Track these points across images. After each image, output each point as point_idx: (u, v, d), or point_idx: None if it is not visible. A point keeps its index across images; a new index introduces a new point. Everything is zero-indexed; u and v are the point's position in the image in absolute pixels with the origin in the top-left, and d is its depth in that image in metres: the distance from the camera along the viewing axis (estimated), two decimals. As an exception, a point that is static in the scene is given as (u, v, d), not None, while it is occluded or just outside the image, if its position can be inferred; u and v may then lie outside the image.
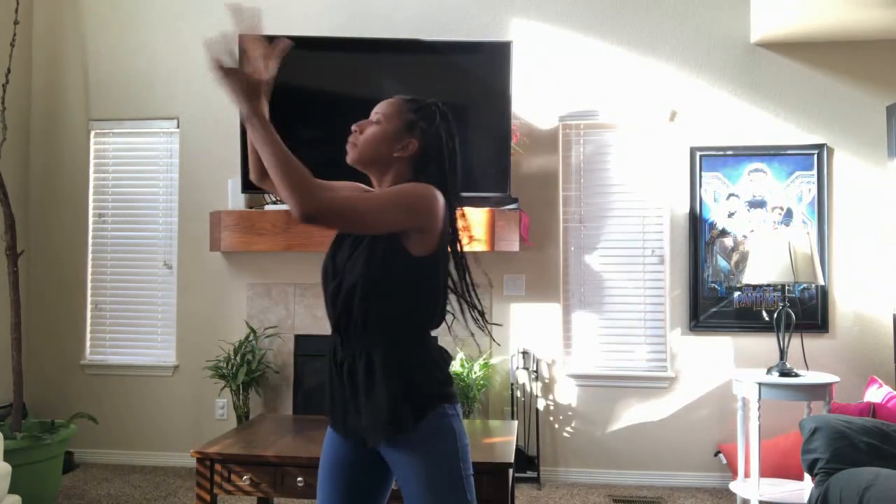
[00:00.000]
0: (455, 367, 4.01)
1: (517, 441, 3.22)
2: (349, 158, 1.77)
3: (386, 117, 1.76)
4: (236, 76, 1.64)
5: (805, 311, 4.10)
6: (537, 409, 4.28)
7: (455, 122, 1.85)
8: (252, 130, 1.61)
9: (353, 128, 1.79)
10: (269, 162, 1.57)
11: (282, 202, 4.32)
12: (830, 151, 4.19)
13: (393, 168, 1.76)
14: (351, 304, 1.68)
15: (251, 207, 4.34)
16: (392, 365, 1.66)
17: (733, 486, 3.78)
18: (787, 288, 3.78)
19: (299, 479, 2.54)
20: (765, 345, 4.09)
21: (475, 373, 4.03)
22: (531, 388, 4.28)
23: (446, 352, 1.79)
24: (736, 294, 4.20)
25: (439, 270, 1.73)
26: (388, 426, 1.64)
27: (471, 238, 1.83)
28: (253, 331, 4.34)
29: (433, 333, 1.75)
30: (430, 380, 1.69)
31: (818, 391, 3.55)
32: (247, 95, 1.65)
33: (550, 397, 4.30)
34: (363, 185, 1.89)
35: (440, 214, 1.67)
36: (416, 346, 1.71)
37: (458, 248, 1.79)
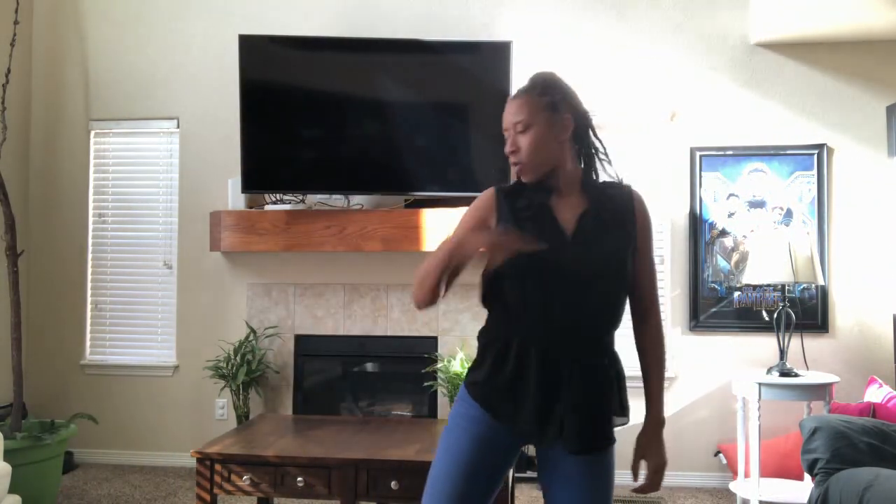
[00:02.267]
0: (455, 367, 4.01)
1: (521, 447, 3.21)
2: (523, 174, 1.70)
3: (526, 116, 1.68)
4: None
5: (805, 311, 4.10)
6: (537, 409, 4.28)
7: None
8: (437, 268, 1.65)
9: (509, 150, 1.70)
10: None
11: (282, 202, 4.32)
12: (830, 151, 4.19)
13: (565, 156, 1.71)
14: (600, 317, 1.71)
15: (251, 207, 4.34)
16: (619, 371, 1.77)
17: (733, 486, 3.78)
18: (787, 288, 3.78)
19: (299, 479, 2.54)
20: (765, 345, 4.08)
21: (475, 373, 4.03)
22: (531, 388, 4.27)
23: None
24: (736, 294, 4.20)
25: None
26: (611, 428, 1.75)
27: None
28: (253, 331, 4.33)
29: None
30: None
31: (818, 391, 3.55)
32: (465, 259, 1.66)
33: (550, 397, 4.29)
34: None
35: None
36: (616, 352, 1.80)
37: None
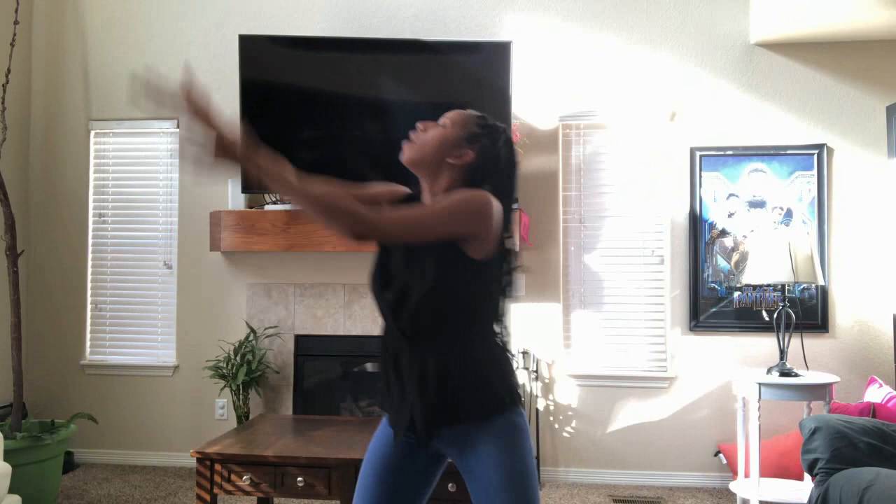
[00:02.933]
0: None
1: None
2: (404, 157, 1.78)
3: (452, 123, 1.79)
4: (251, 154, 1.61)
5: (805, 311, 4.10)
6: (537, 409, 4.28)
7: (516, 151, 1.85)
8: (271, 185, 1.62)
9: (419, 125, 1.80)
10: (306, 208, 1.58)
11: (282, 202, 4.32)
12: (830, 151, 4.19)
13: (445, 174, 1.77)
14: (418, 311, 1.69)
15: (251, 207, 4.34)
16: (461, 366, 1.70)
17: (733, 486, 3.78)
18: (787, 288, 3.78)
19: (299, 479, 2.54)
20: (765, 345, 4.09)
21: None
22: (531, 388, 4.28)
23: (509, 353, 1.83)
24: (736, 294, 4.20)
25: (498, 273, 1.78)
26: (472, 413, 1.70)
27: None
28: (253, 331, 4.34)
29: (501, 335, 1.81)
30: (496, 380, 1.74)
31: (818, 391, 3.55)
32: (235, 158, 1.60)
33: (550, 397, 4.30)
34: (397, 186, 1.90)
35: (497, 219, 1.70)
36: (480, 347, 1.75)
37: (510, 256, 1.82)
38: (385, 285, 1.76)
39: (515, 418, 1.72)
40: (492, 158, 1.78)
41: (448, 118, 1.80)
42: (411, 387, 1.71)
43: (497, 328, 1.79)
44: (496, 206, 1.69)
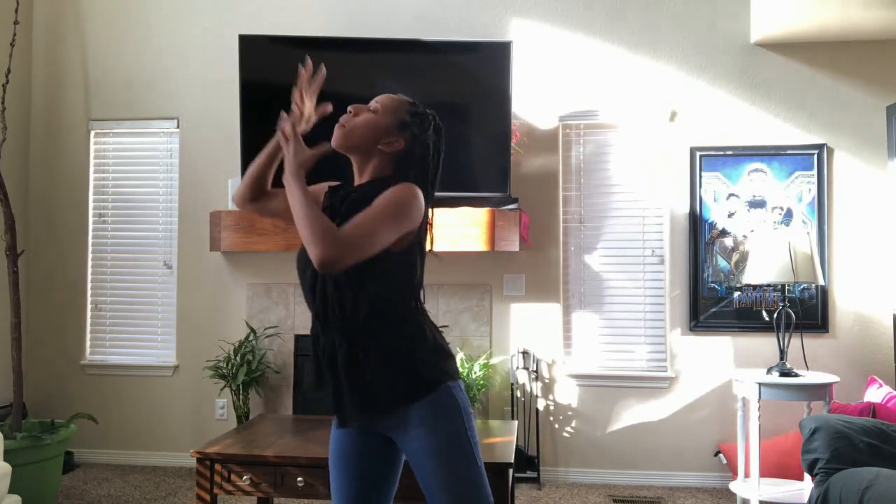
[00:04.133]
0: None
1: (517, 441, 3.22)
2: (334, 140, 1.80)
3: (383, 109, 1.81)
4: (299, 141, 1.72)
5: (805, 311, 4.10)
6: (537, 409, 4.28)
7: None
8: (290, 188, 1.67)
9: (350, 108, 1.82)
10: (300, 216, 1.62)
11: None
12: (830, 151, 4.19)
13: (374, 159, 1.81)
14: (334, 293, 1.71)
15: (251, 207, 4.34)
16: (384, 346, 1.71)
17: (733, 486, 3.78)
18: (787, 288, 3.78)
19: (299, 479, 2.54)
20: (765, 345, 4.09)
21: (475, 373, 4.04)
22: (531, 388, 4.28)
23: (436, 328, 1.83)
24: (736, 294, 4.20)
25: (416, 256, 1.78)
26: (392, 399, 1.70)
27: (432, 240, 1.86)
28: (253, 331, 4.34)
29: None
30: (419, 360, 1.73)
31: (818, 391, 3.55)
32: (300, 157, 1.70)
33: (550, 397, 4.30)
34: (324, 185, 1.92)
35: (421, 213, 1.73)
36: (403, 326, 1.75)
37: (423, 248, 1.83)
38: (307, 264, 1.76)
39: (442, 398, 1.71)
40: (421, 148, 1.81)
41: (379, 103, 1.81)
42: (341, 375, 1.73)
43: (417, 306, 1.79)
44: (421, 201, 1.72)
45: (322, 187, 1.92)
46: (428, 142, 1.82)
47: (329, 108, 1.78)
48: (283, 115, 1.77)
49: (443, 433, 1.69)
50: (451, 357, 1.80)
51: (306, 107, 1.80)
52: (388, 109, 1.80)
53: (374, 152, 1.80)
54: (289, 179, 1.67)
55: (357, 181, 1.85)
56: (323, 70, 1.82)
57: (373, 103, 1.82)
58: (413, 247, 1.75)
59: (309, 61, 1.82)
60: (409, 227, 1.69)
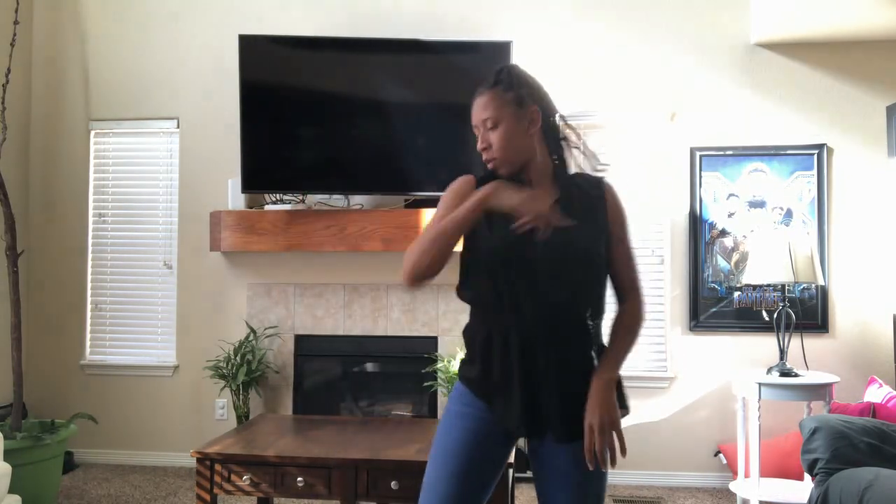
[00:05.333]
0: (455, 367, 4.01)
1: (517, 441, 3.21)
2: (499, 168, 1.72)
3: (493, 110, 1.70)
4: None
5: (805, 311, 4.10)
6: (537, 409, 4.28)
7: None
8: (457, 224, 1.64)
9: (481, 147, 1.72)
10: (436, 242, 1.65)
11: (282, 202, 4.32)
12: (830, 151, 4.19)
13: (537, 150, 1.73)
14: (571, 301, 1.70)
15: (251, 207, 4.34)
16: (597, 352, 1.74)
17: (733, 486, 3.78)
18: (787, 288, 3.78)
19: (299, 479, 2.54)
20: (765, 345, 4.08)
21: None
22: (531, 388, 4.27)
23: None
24: (736, 294, 4.20)
25: None
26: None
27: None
28: (253, 331, 4.33)
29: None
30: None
31: (818, 391, 3.55)
32: (496, 202, 1.64)
33: (550, 397, 4.29)
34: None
35: None
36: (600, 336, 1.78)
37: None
38: (535, 260, 1.65)
39: None
40: (539, 93, 1.74)
41: (488, 117, 1.70)
42: (549, 380, 1.67)
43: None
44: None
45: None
46: (532, 83, 1.74)
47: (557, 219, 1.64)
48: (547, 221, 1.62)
49: (599, 477, 1.71)
50: None
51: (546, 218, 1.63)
52: (495, 108, 1.69)
53: (527, 143, 1.70)
54: (470, 214, 1.67)
55: (533, 180, 1.73)
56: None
57: (483, 123, 1.71)
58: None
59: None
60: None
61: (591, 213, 1.74)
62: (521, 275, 1.66)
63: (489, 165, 1.73)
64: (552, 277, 1.66)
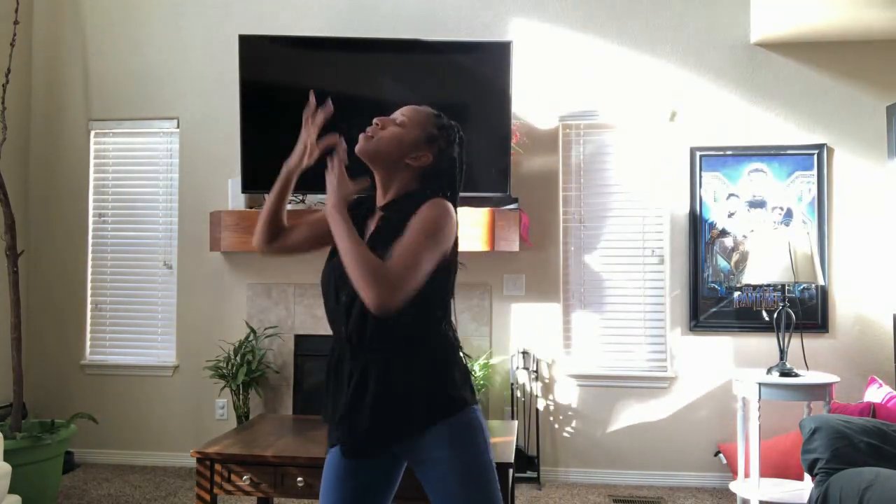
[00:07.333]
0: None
1: (517, 441, 3.22)
2: (359, 148, 1.75)
3: (411, 122, 1.76)
4: (343, 173, 1.70)
5: (805, 311, 4.10)
6: (537, 409, 4.28)
7: (459, 120, 1.86)
8: (334, 222, 1.65)
9: (376, 121, 1.77)
10: (348, 254, 1.60)
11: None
12: (830, 151, 4.19)
13: (400, 174, 1.76)
14: (372, 317, 1.63)
15: (251, 207, 4.34)
16: (421, 367, 1.68)
17: (733, 486, 3.78)
18: (787, 288, 3.78)
19: (299, 479, 2.54)
20: (765, 345, 4.09)
21: (475, 373, 4.03)
22: (531, 388, 4.28)
23: (460, 349, 1.80)
24: (736, 294, 4.20)
25: (450, 277, 1.75)
26: (426, 419, 1.66)
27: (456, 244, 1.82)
28: (253, 331, 4.34)
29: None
30: (451, 380, 1.71)
31: (818, 391, 3.55)
32: (343, 191, 1.69)
33: (550, 397, 4.30)
34: (316, 213, 1.93)
35: (455, 231, 1.71)
36: (434, 348, 1.72)
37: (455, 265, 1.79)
38: (339, 289, 1.72)
39: (468, 418, 1.70)
40: (448, 162, 1.78)
41: (406, 117, 1.76)
42: (354, 398, 1.67)
43: (450, 325, 1.77)
44: (454, 217, 1.69)
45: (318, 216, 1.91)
46: (454, 155, 1.79)
47: (334, 139, 1.75)
48: (312, 144, 1.80)
49: (467, 455, 1.67)
50: (472, 384, 1.78)
51: (309, 139, 1.79)
52: (415, 123, 1.76)
53: (401, 166, 1.75)
54: (333, 213, 1.65)
55: (381, 196, 1.79)
56: (329, 105, 1.79)
57: (399, 116, 1.78)
58: (449, 265, 1.71)
59: (312, 96, 1.81)
60: (446, 247, 1.66)
61: (399, 230, 1.67)
62: (336, 296, 1.79)
63: (360, 137, 1.76)
64: (351, 297, 1.71)
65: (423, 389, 1.68)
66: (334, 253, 1.80)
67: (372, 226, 1.77)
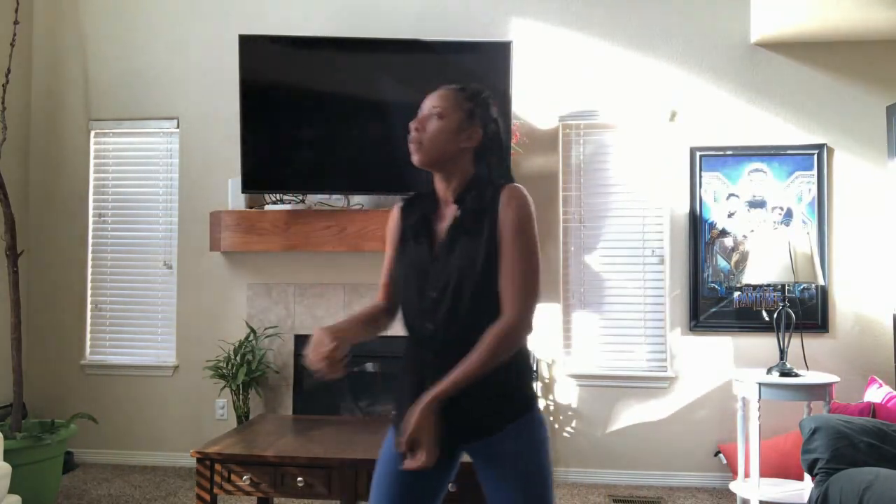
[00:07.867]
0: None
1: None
2: (417, 160, 1.73)
3: (449, 108, 1.73)
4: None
5: (805, 311, 4.10)
6: (537, 409, 4.28)
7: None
8: (450, 390, 1.62)
9: (414, 125, 1.74)
10: (485, 368, 1.62)
11: (282, 202, 4.32)
12: (830, 151, 4.19)
13: (460, 160, 1.75)
14: (456, 316, 1.66)
15: (251, 207, 4.34)
16: (500, 366, 1.66)
17: (733, 486, 3.78)
18: (787, 288, 3.78)
19: (299, 479, 2.54)
20: (765, 345, 4.08)
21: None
22: (531, 388, 4.27)
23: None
24: (736, 294, 4.20)
25: None
26: (502, 417, 1.67)
27: None
28: (253, 331, 4.33)
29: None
30: (529, 377, 1.77)
31: (818, 391, 3.55)
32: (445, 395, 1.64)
33: (550, 397, 4.30)
34: (376, 304, 1.93)
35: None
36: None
37: None
38: (422, 284, 1.71)
39: (540, 414, 1.74)
40: (493, 126, 1.77)
41: (440, 106, 1.72)
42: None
43: None
44: (530, 199, 1.76)
45: (376, 306, 1.91)
46: (494, 116, 1.77)
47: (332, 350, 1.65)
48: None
49: (536, 454, 1.68)
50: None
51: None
52: (451, 107, 1.73)
53: (458, 154, 1.73)
54: (430, 405, 1.60)
55: (444, 188, 1.77)
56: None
57: (431, 109, 1.74)
58: None
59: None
60: (538, 238, 1.75)
61: (480, 224, 1.69)
62: (415, 299, 1.77)
63: (412, 147, 1.74)
64: (437, 300, 1.71)
65: (508, 385, 1.69)
66: (405, 245, 1.79)
67: (447, 219, 1.74)
